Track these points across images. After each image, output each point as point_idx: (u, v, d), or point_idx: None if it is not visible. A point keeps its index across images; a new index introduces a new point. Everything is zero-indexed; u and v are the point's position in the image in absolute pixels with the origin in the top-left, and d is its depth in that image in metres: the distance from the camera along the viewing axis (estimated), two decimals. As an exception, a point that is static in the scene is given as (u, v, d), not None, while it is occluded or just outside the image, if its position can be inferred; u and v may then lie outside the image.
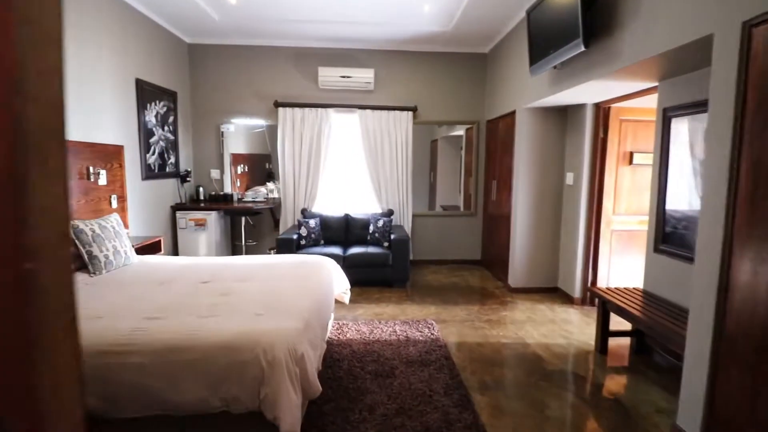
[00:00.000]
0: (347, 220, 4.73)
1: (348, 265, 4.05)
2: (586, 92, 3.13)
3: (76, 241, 2.55)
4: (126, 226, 3.63)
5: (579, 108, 3.71)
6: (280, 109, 4.78)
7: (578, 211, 3.71)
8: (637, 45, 2.22)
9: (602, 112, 3.54)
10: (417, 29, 4.33)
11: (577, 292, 3.76)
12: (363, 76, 4.72)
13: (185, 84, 4.81)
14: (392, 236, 4.26)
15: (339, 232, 4.65)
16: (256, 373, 1.51)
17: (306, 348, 1.69)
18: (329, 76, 4.69)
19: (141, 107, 3.92)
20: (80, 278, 2.44)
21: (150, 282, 2.40)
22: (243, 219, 4.92)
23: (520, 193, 4.02)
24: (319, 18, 4.06)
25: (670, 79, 2.65)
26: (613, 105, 3.49)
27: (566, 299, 3.87)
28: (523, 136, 3.96)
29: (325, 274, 2.68)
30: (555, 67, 3.06)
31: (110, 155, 3.42)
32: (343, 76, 4.68)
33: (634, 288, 2.91)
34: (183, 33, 4.61)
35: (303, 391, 1.61)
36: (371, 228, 4.52)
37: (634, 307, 2.54)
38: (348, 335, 2.94)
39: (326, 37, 4.62)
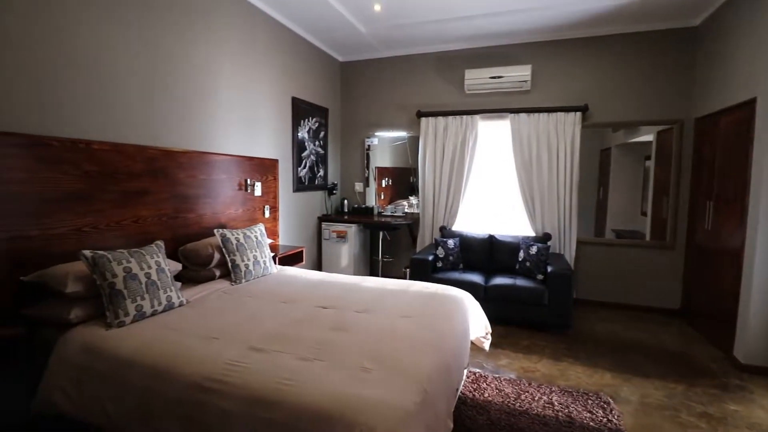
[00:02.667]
0: (491, 242, 4.06)
1: (490, 297, 3.40)
2: None
3: (223, 249, 2.67)
4: (277, 235, 3.82)
5: None
6: (423, 119, 4.48)
7: None
8: None
9: None
10: (590, 7, 3.43)
11: None
12: (517, 75, 4.02)
13: (336, 100, 5.00)
14: (549, 268, 3.40)
15: (481, 257, 4.01)
16: (348, 465, 1.09)
17: (421, 437, 1.20)
18: (477, 78, 4.16)
19: (296, 123, 4.14)
20: (222, 286, 2.53)
21: (275, 299, 2.29)
22: (381, 233, 4.77)
23: (762, 222, 2.66)
24: (467, 13, 3.60)
25: None
26: None
27: None
28: (773, 136, 2.62)
29: (461, 316, 2.14)
30: None
31: (266, 168, 3.64)
32: (493, 77, 4.08)
33: None
34: (336, 52, 4.80)
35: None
36: (521, 255, 3.74)
37: None
38: (486, 394, 2.31)
39: (473, 35, 4.12)
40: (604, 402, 2.24)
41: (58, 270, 1.83)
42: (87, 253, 1.84)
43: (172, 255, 2.54)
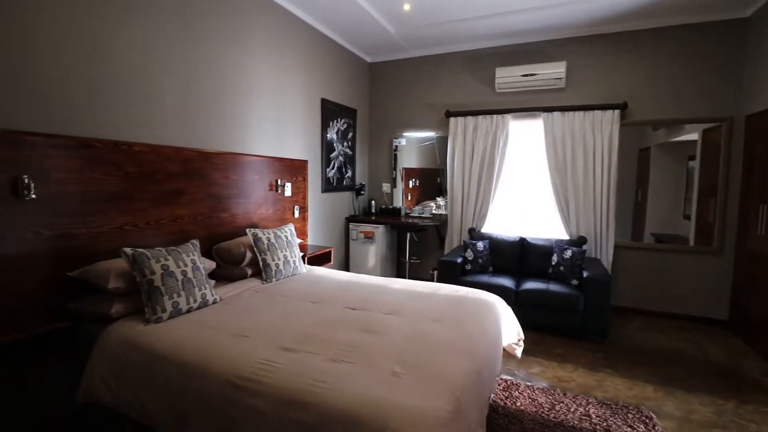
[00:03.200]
0: (522, 245, 3.94)
1: (521, 302, 3.30)
2: None
3: (255, 248, 2.72)
4: (306, 235, 3.86)
5: None
6: (452, 119, 4.42)
7: None
8: None
9: None
10: (632, -1, 3.28)
11: None
12: (551, 72, 3.89)
13: (364, 101, 5.00)
14: (585, 273, 3.27)
15: (512, 260, 3.90)
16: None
17: (454, 448, 1.16)
18: (508, 76, 4.05)
19: (324, 125, 4.17)
20: (253, 284, 2.57)
21: (305, 298, 2.31)
22: (408, 235, 4.74)
23: (826, 227, 2.45)
24: (498, 10, 3.52)
25: None
26: None
27: None
28: (839, 134, 2.40)
29: (493, 321, 2.08)
30: None
31: (296, 169, 3.68)
32: (526, 75, 3.97)
33: None
34: (365, 53, 4.81)
35: None
36: (554, 259, 3.61)
37: None
38: (518, 403, 2.23)
39: (504, 32, 4.02)
40: (646, 417, 2.11)
41: (101, 266, 1.90)
42: (128, 250, 1.91)
43: (206, 253, 2.61)
